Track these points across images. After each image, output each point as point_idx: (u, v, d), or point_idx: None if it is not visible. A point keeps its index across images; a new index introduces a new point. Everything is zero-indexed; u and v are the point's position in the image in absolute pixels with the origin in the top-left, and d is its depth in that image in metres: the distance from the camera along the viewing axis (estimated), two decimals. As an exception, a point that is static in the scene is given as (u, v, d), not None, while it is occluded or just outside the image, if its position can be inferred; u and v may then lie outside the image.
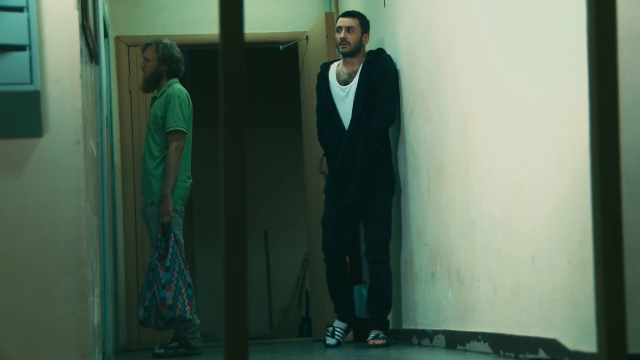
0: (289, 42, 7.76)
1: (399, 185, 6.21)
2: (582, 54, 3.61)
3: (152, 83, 6.45)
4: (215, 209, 10.69)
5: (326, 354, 5.75)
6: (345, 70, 6.30)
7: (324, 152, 6.48)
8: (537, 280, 4.05)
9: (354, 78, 6.24)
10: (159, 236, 6.12)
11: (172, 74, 6.42)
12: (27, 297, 4.02)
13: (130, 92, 7.66)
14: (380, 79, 6.14)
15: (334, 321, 6.52)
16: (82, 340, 4.02)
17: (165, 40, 6.48)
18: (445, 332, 5.32)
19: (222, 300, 1.34)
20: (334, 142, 6.27)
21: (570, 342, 3.71)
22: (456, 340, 5.13)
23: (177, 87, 6.36)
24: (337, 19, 6.42)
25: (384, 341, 6.00)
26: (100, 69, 5.88)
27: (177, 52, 6.47)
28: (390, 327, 6.29)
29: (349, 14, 6.35)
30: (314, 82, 6.62)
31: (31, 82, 4.03)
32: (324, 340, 6.38)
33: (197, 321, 6.27)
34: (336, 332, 6.30)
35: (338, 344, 6.27)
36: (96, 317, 4.62)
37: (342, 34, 6.25)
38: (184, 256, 6.14)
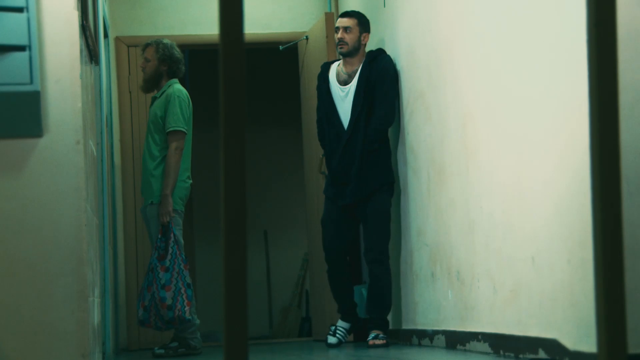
0: (288, 42, 7.76)
1: (398, 185, 6.21)
2: (582, 54, 3.61)
3: (152, 83, 6.45)
4: (215, 209, 10.69)
5: (326, 354, 5.75)
6: (345, 70, 6.30)
7: (324, 152, 6.48)
8: (537, 280, 4.05)
9: (353, 78, 6.24)
10: (159, 236, 6.12)
11: (172, 74, 6.43)
12: (27, 297, 4.02)
13: (130, 92, 7.66)
14: (380, 79, 6.14)
15: (336, 321, 6.53)
16: (82, 340, 4.02)
17: (165, 41, 6.48)
18: (445, 332, 5.32)
19: (222, 300, 1.34)
20: (333, 142, 6.27)
21: (570, 342, 3.71)
22: (456, 340, 5.13)
23: (177, 87, 6.36)
24: (337, 19, 6.43)
25: (384, 341, 6.00)
26: (100, 69, 5.88)
27: (177, 52, 6.47)
28: (390, 327, 6.29)
29: (346, 14, 6.36)
30: (314, 82, 6.62)
31: (31, 82, 4.03)
32: (326, 340, 6.38)
33: (197, 321, 6.27)
34: (338, 331, 6.30)
35: (339, 343, 6.27)
36: (96, 317, 4.62)
37: (339, 34, 6.25)
38: (183, 256, 6.14)
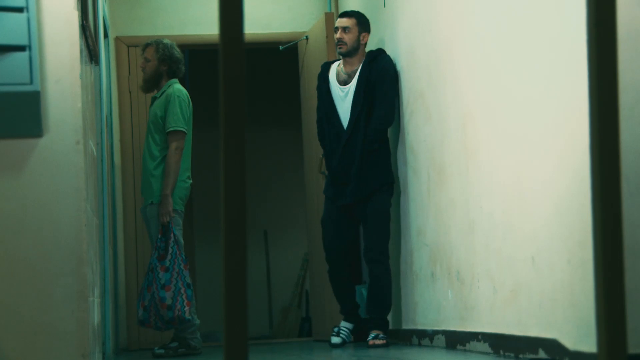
0: (288, 42, 7.76)
1: (398, 186, 6.21)
2: (582, 54, 3.61)
3: (152, 83, 6.45)
4: (215, 209, 10.69)
5: (326, 353, 5.75)
6: (344, 70, 6.30)
7: (324, 152, 6.48)
8: (537, 280, 4.05)
9: (353, 78, 6.24)
10: (159, 236, 6.12)
11: (172, 74, 6.43)
12: (27, 297, 4.02)
13: (130, 92, 7.66)
14: (380, 79, 6.14)
15: (337, 321, 6.52)
16: (82, 340, 4.02)
17: (165, 41, 6.48)
18: (445, 332, 5.32)
19: (222, 300, 1.34)
20: (333, 142, 6.27)
21: (570, 342, 3.71)
22: (456, 340, 5.13)
23: (177, 87, 6.36)
24: (336, 20, 6.43)
25: (384, 341, 5.99)
26: (100, 69, 5.88)
27: (177, 52, 6.47)
28: (390, 327, 6.29)
29: (345, 14, 6.36)
30: (314, 82, 6.62)
31: (31, 82, 4.03)
32: (329, 340, 6.36)
33: (197, 321, 6.27)
34: (342, 331, 6.29)
35: (343, 343, 6.25)
36: (96, 317, 4.62)
37: (338, 34, 6.26)
38: (183, 256, 6.14)
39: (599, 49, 1.39)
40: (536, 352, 4.02)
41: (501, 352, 4.46)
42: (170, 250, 6.08)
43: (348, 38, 6.25)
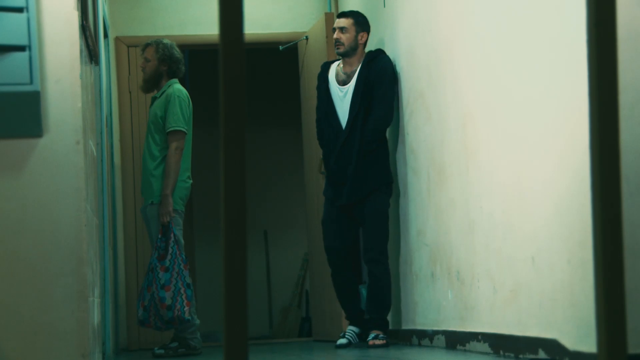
0: (288, 42, 7.76)
1: (398, 186, 6.21)
2: (582, 54, 3.62)
3: (152, 83, 6.45)
4: (215, 209, 10.69)
5: (326, 353, 5.75)
6: (344, 70, 6.31)
7: (322, 152, 6.48)
8: (537, 280, 4.05)
9: (352, 78, 6.24)
10: (159, 236, 6.12)
11: (172, 74, 6.43)
12: (27, 297, 4.02)
13: (130, 92, 7.66)
14: (378, 80, 6.14)
15: (338, 323, 6.50)
16: (82, 340, 4.02)
17: (165, 41, 6.48)
18: (445, 332, 5.32)
19: (222, 300, 1.34)
20: (331, 142, 6.27)
21: (570, 342, 3.71)
22: (456, 340, 5.13)
23: (177, 87, 6.36)
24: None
25: (384, 341, 5.99)
26: (100, 69, 5.88)
27: (177, 52, 6.47)
28: (390, 327, 6.28)
29: (343, 15, 6.37)
30: (314, 82, 6.63)
31: (31, 82, 4.03)
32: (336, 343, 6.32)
33: (197, 321, 6.27)
34: (347, 332, 6.25)
35: (349, 344, 6.19)
36: (96, 317, 4.62)
37: (336, 35, 6.27)
38: (183, 256, 6.14)
39: (599, 49, 1.39)
40: (536, 352, 4.03)
41: (501, 352, 4.46)
42: (170, 250, 6.08)
43: (345, 38, 6.25)
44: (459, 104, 5.04)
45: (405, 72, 6.08)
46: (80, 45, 4.26)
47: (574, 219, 3.68)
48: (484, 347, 4.67)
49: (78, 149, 4.11)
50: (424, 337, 5.68)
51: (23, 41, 4.02)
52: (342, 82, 6.28)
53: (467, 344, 4.94)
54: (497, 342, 4.51)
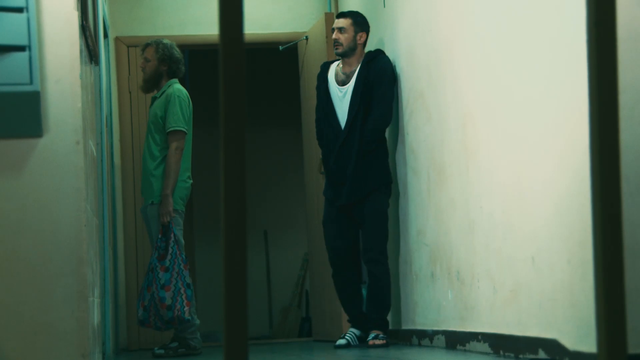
0: (288, 42, 7.76)
1: (398, 186, 6.21)
2: (582, 54, 3.61)
3: (152, 83, 6.45)
4: (215, 209, 10.69)
5: (326, 353, 5.75)
6: (343, 70, 6.31)
7: (322, 152, 6.47)
8: (537, 280, 4.05)
9: (351, 78, 6.24)
10: (159, 236, 6.12)
11: (172, 74, 6.43)
12: (27, 297, 4.02)
13: (130, 92, 7.66)
14: (377, 80, 6.14)
15: (339, 323, 6.49)
16: (82, 340, 4.02)
17: (165, 41, 6.48)
18: (445, 332, 5.32)
19: (222, 300, 1.34)
20: (330, 142, 6.27)
21: (570, 342, 3.71)
22: (456, 340, 5.12)
23: (177, 87, 6.36)
24: (335, 20, 6.44)
25: (384, 341, 5.99)
26: (100, 70, 5.88)
27: (177, 52, 6.47)
28: (390, 327, 6.28)
29: (341, 15, 6.38)
30: (314, 83, 6.63)
31: (31, 82, 4.02)
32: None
33: (197, 321, 6.27)
34: (347, 334, 6.24)
35: (347, 345, 6.18)
36: (96, 317, 4.62)
37: (334, 35, 6.28)
38: (184, 256, 6.14)
39: (599, 49, 1.39)
40: (536, 352, 4.02)
41: (501, 352, 4.46)
42: (170, 250, 6.08)
43: (344, 38, 6.26)
44: (459, 104, 5.04)
45: (405, 72, 6.08)
46: (80, 45, 4.26)
47: (574, 219, 3.68)
48: (484, 347, 4.67)
49: (78, 149, 4.11)
50: (424, 337, 5.68)
51: (23, 41, 4.02)
52: (342, 82, 6.28)
53: (467, 344, 4.94)
54: (497, 342, 4.51)
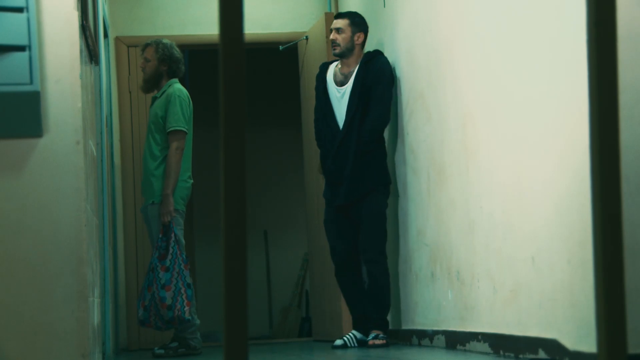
0: (288, 42, 7.76)
1: (398, 186, 6.21)
2: (582, 54, 3.61)
3: (152, 83, 6.46)
4: (215, 209, 10.69)
5: (326, 354, 5.75)
6: (341, 71, 6.31)
7: (320, 153, 6.47)
8: (537, 280, 4.05)
9: (349, 79, 6.24)
10: (160, 236, 6.12)
11: (172, 74, 6.43)
12: (27, 297, 4.02)
13: (130, 92, 7.66)
14: (376, 81, 6.14)
15: (339, 323, 6.48)
16: (82, 340, 4.02)
17: (165, 41, 6.48)
18: (445, 332, 5.32)
19: (222, 300, 1.34)
20: (329, 143, 6.27)
21: (570, 342, 3.71)
22: (456, 340, 5.12)
23: (177, 87, 6.36)
24: (334, 21, 6.44)
25: (384, 341, 5.99)
26: (100, 69, 5.88)
27: (177, 52, 6.47)
28: (390, 327, 6.28)
29: (339, 15, 6.38)
30: (314, 83, 6.63)
31: (31, 82, 4.02)
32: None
33: (197, 321, 6.27)
34: (347, 336, 6.23)
35: (344, 345, 6.17)
36: (96, 317, 4.62)
37: (332, 36, 6.28)
38: (184, 256, 6.13)
39: (599, 49, 1.39)
40: (536, 352, 4.02)
41: (501, 352, 4.46)
42: (170, 250, 6.08)
43: (341, 39, 6.26)
44: (459, 104, 5.04)
45: (405, 72, 6.08)
46: (80, 45, 4.26)
47: (574, 219, 3.68)
48: (484, 347, 4.67)
49: (78, 149, 4.11)
50: (424, 337, 5.68)
51: (23, 41, 4.02)
52: (340, 83, 6.29)
53: (467, 344, 4.94)
54: (497, 342, 4.51)
